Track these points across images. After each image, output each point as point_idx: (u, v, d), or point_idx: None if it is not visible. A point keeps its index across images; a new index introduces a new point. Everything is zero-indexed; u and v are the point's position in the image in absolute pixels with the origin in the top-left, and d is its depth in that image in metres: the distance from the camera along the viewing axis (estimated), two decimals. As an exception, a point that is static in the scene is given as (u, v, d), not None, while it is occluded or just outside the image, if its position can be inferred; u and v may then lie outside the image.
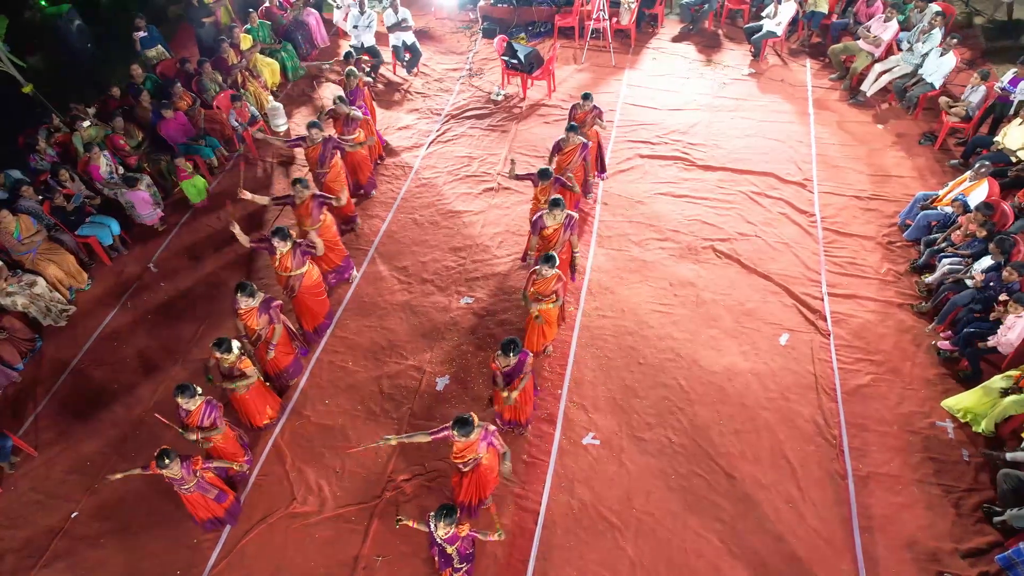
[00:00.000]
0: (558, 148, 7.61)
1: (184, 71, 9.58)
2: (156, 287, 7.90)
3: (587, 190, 8.32)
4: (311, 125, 7.30)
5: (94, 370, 7.10)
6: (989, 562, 5.26)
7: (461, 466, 5.24)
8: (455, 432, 4.86)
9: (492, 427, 5.08)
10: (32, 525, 5.90)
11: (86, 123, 8.29)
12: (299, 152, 9.57)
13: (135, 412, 6.69)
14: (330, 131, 7.78)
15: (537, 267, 6.02)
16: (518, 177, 7.26)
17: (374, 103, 9.62)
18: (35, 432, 6.60)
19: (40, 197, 7.72)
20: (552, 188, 7.05)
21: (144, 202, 8.19)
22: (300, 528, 5.76)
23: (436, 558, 5.12)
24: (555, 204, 6.47)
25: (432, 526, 4.63)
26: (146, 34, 9.76)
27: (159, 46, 9.99)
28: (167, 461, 4.93)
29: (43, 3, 9.25)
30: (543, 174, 6.98)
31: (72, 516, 5.93)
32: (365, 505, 5.86)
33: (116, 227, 8.06)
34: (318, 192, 6.94)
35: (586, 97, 7.95)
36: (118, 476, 5.24)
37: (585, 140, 7.59)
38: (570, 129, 7.45)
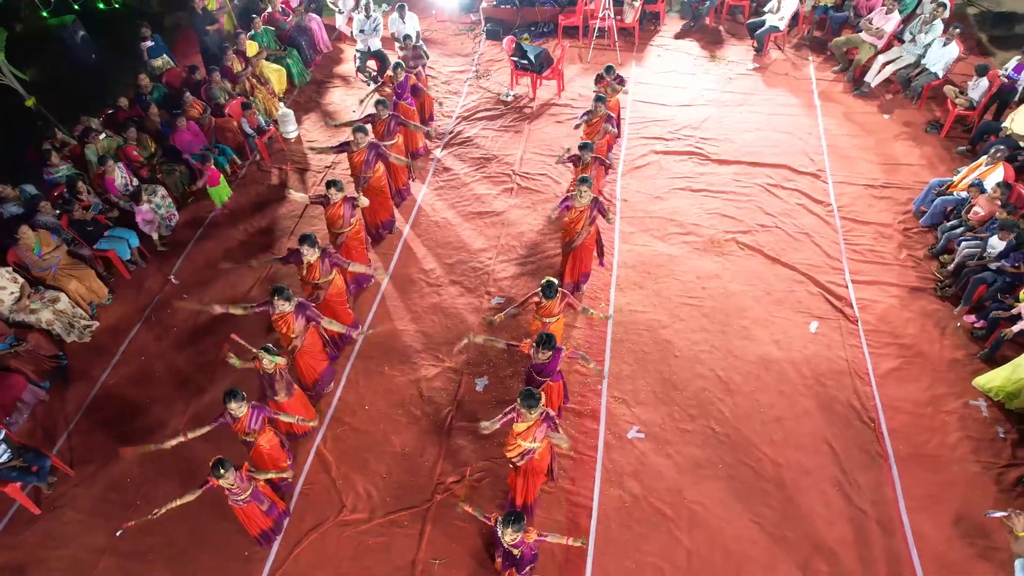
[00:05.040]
0: (585, 120, 7.91)
1: (192, 79, 9.47)
2: (179, 299, 7.78)
3: (609, 166, 8.51)
4: (357, 129, 7.28)
5: (124, 386, 6.98)
6: (1034, 535, 5.41)
7: (516, 460, 5.23)
8: (520, 404, 4.85)
9: (551, 412, 5.08)
10: (76, 544, 5.78)
11: (102, 135, 8.14)
12: (314, 160, 9.53)
13: (170, 426, 6.58)
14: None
15: (539, 291, 5.93)
16: (563, 161, 7.48)
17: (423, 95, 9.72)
18: (68, 451, 6.47)
19: (57, 211, 7.57)
20: (593, 166, 7.17)
21: (144, 218, 8.04)
22: (352, 536, 5.73)
23: (499, 559, 5.14)
24: (583, 181, 6.57)
25: (499, 531, 4.64)
26: (153, 43, 9.62)
27: (165, 55, 9.85)
28: (223, 471, 4.87)
29: (45, 13, 9.07)
30: (584, 147, 7.17)
31: (117, 534, 5.82)
32: (417, 509, 5.84)
33: (135, 240, 7.93)
34: (350, 194, 6.94)
35: (609, 70, 8.34)
36: (174, 505, 4.99)
37: (610, 113, 7.87)
38: (597, 100, 7.76)
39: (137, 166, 8.39)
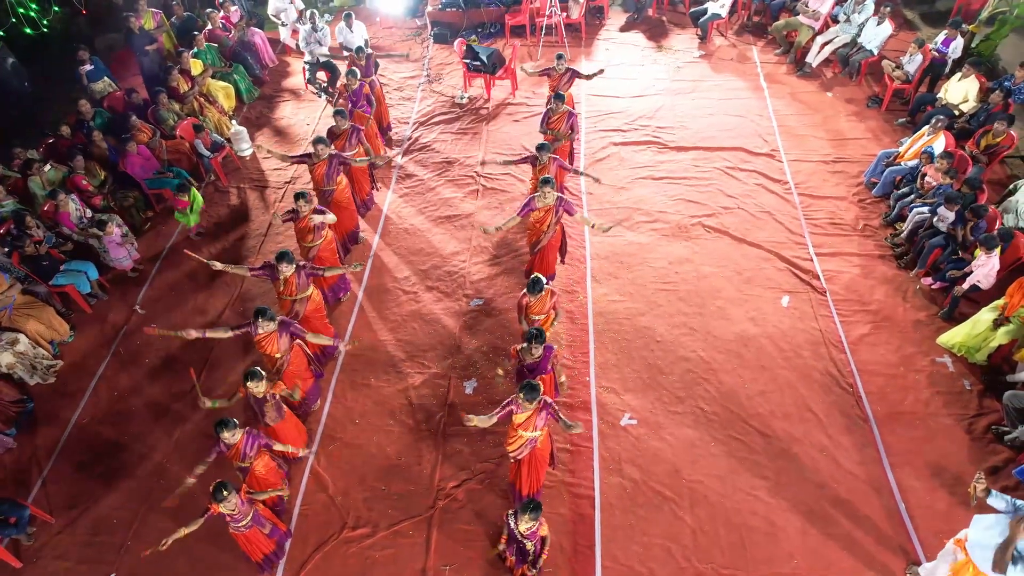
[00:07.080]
0: (547, 119, 7.87)
1: (132, 102, 9.12)
2: (148, 328, 7.47)
3: (573, 162, 8.53)
4: (317, 141, 7.14)
5: (98, 424, 6.70)
6: (1007, 477, 5.75)
7: (517, 453, 5.25)
8: (521, 397, 4.91)
9: (549, 399, 5.12)
10: (67, 595, 5.53)
11: (46, 166, 7.77)
12: (273, 176, 9.32)
13: (153, 461, 6.36)
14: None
15: (526, 291, 5.95)
16: (513, 163, 7.51)
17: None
18: (45, 498, 6.17)
19: (6, 249, 7.19)
20: (551, 166, 7.19)
21: (116, 243, 7.75)
22: (358, 551, 5.65)
23: (511, 556, 5.15)
24: (545, 183, 6.56)
25: (513, 521, 4.66)
26: (92, 67, 9.23)
27: (105, 78, 9.46)
28: (225, 493, 4.73)
29: (-32, 44, 8.61)
30: (542, 148, 7.13)
31: (108, 578, 5.60)
32: (420, 518, 5.80)
33: (94, 272, 7.60)
34: (318, 205, 6.83)
35: (559, 57, 8.28)
36: (179, 535, 4.78)
37: (571, 109, 7.87)
38: (556, 98, 7.72)
39: (88, 195, 8.03)
